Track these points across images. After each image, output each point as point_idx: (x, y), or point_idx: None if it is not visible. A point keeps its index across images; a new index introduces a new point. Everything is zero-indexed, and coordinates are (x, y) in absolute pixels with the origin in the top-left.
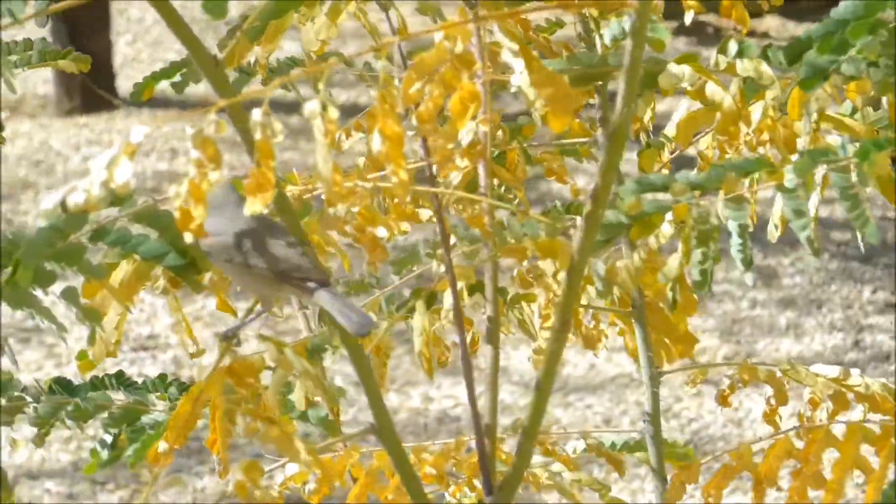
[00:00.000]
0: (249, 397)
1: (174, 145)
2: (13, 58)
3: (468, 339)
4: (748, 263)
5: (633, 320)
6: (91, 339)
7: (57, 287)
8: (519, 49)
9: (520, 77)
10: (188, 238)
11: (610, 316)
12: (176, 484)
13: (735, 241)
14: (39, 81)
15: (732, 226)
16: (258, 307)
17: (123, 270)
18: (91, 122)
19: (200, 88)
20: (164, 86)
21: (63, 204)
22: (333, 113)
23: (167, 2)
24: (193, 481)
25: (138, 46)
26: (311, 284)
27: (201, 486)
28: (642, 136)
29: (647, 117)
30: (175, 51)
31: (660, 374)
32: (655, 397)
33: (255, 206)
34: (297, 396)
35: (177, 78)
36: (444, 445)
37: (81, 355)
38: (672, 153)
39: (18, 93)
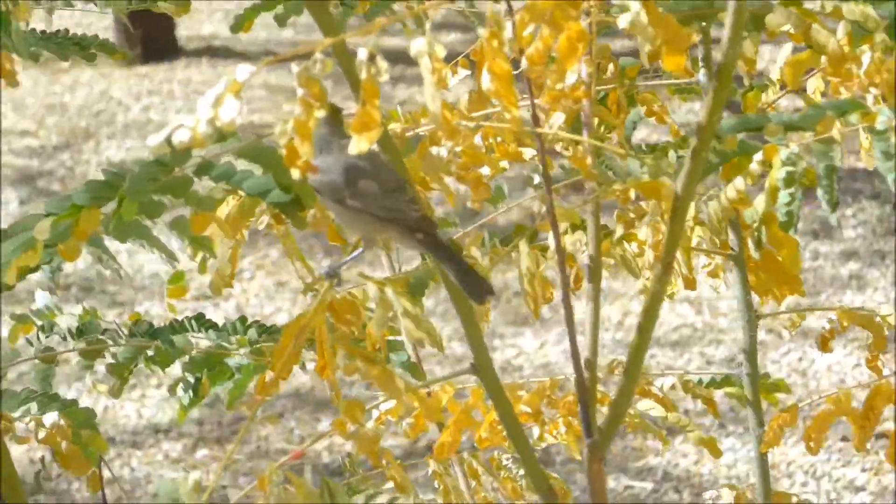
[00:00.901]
0: (347, 336)
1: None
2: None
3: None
4: (834, 205)
5: (732, 262)
6: (202, 268)
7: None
8: None
9: (634, 17)
10: (294, 175)
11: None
12: (273, 422)
13: (822, 182)
14: (100, 30)
15: (820, 167)
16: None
17: (228, 205)
18: (151, 71)
19: (261, 37)
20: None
21: (168, 141)
22: (440, 51)
23: None
24: (257, 429)
25: None
26: (420, 235)
27: (265, 434)
28: (745, 78)
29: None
30: (234, 1)
31: (757, 318)
32: (753, 341)
33: (362, 144)
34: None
35: (279, 9)
36: (539, 384)
37: (175, 278)
38: (778, 96)
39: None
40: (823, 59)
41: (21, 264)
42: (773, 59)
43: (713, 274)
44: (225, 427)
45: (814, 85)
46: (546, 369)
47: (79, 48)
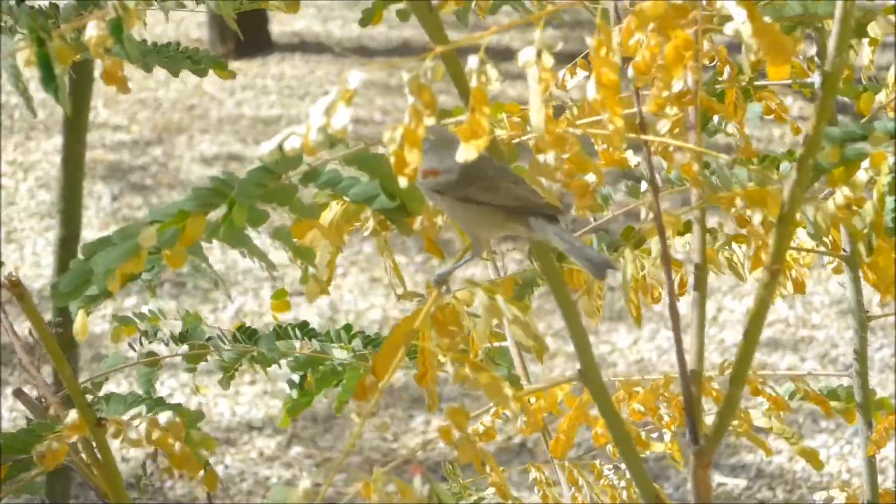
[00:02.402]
0: (454, 344)
1: (328, 89)
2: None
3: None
4: None
5: (844, 263)
6: (304, 278)
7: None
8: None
9: (740, 26)
10: (402, 182)
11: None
12: (384, 429)
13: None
14: (193, 25)
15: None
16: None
17: (333, 211)
18: (244, 66)
19: (355, 33)
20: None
21: (280, 149)
22: (548, 60)
23: None
24: (350, 425)
25: None
26: (537, 221)
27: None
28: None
29: (866, 60)
30: None
31: (868, 319)
32: (863, 342)
33: (470, 151)
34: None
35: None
36: (652, 382)
37: (279, 294)
38: (890, 98)
39: (173, 37)
40: None
41: (125, 272)
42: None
43: (836, 270)
44: (319, 423)
45: None
46: (639, 365)
47: (191, 62)
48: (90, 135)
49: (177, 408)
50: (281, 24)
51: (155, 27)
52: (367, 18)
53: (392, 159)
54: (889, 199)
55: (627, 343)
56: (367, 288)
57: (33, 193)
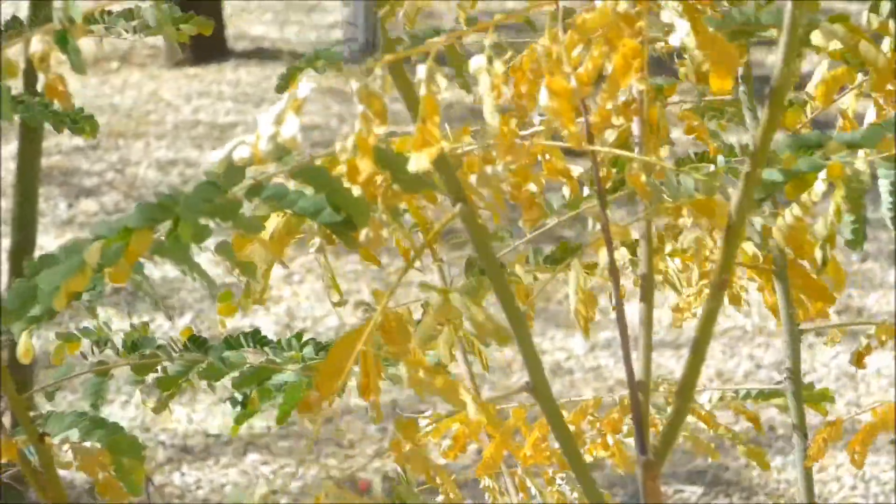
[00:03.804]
0: (406, 350)
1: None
2: (133, 23)
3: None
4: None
5: (774, 277)
6: (246, 293)
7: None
8: (683, 10)
9: (684, 37)
10: (355, 191)
11: (747, 272)
12: (340, 436)
13: (886, 199)
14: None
15: (884, 184)
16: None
17: (273, 224)
18: (201, 73)
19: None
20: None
21: (228, 158)
22: (499, 67)
23: None
24: (305, 432)
25: None
26: None
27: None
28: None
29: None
30: (283, 2)
31: (800, 332)
32: (796, 353)
33: (421, 162)
34: (441, 351)
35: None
36: (582, 402)
37: (224, 297)
38: (815, 113)
39: (128, 43)
40: (860, 76)
41: (70, 289)
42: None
43: (760, 289)
44: (274, 432)
45: (848, 102)
46: (596, 372)
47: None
48: (46, 141)
49: (114, 430)
50: (237, 30)
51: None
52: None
53: (343, 168)
54: (846, 211)
55: (583, 350)
56: (323, 295)
57: None
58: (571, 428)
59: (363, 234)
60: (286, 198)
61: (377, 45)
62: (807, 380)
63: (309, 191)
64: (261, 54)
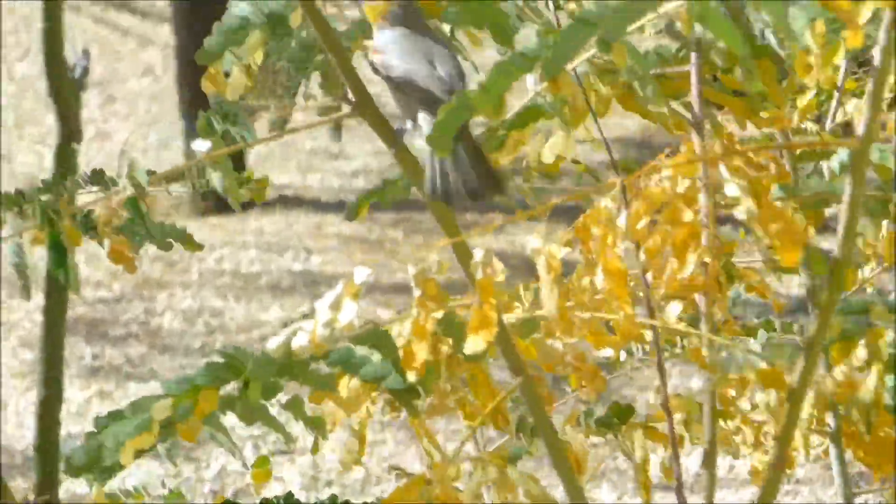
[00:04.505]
0: None
1: (308, 244)
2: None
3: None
4: None
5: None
6: (314, 448)
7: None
8: (747, 185)
9: (747, 213)
10: (411, 377)
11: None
12: None
13: None
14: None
15: None
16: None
17: (351, 384)
18: (224, 222)
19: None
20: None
21: (287, 344)
22: (557, 251)
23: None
24: None
25: (271, 144)
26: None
27: None
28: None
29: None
30: (307, 150)
31: (854, 495)
32: None
33: (478, 344)
34: None
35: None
36: None
37: (260, 462)
38: (876, 272)
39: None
40: None
41: (137, 445)
42: None
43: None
44: None
45: None
46: None
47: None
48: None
49: None
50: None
51: None
52: (353, 213)
53: (400, 353)
54: (890, 377)
55: (612, 499)
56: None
57: (15, 353)
58: None
59: (428, 402)
60: (351, 362)
61: (449, 191)
62: None
63: (376, 355)
64: (284, 202)
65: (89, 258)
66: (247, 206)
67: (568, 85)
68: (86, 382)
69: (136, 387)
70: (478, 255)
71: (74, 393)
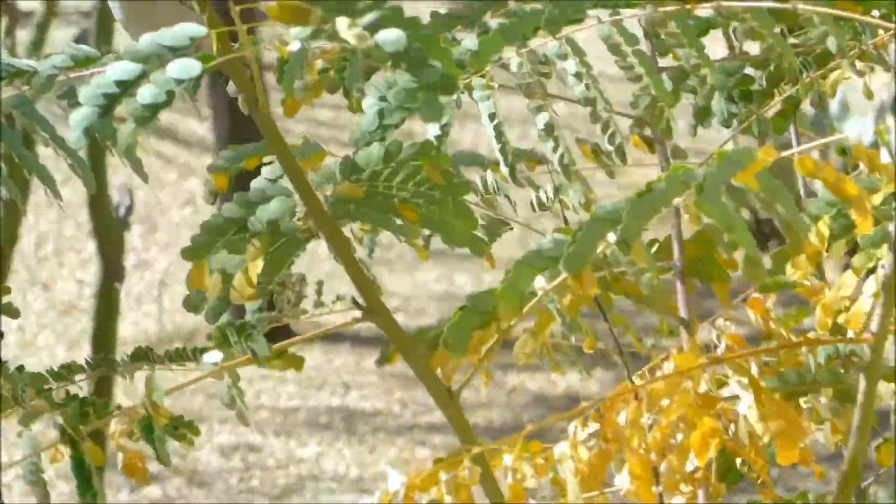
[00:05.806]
0: None
1: (346, 379)
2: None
3: None
4: None
5: None
6: None
7: None
8: (748, 382)
9: (747, 409)
10: None
11: None
12: None
13: None
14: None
15: None
16: None
17: None
18: None
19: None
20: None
21: None
22: (584, 453)
23: None
24: None
25: (309, 279)
26: None
27: None
28: None
29: None
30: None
31: None
32: None
33: None
34: None
35: None
36: None
37: None
38: None
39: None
40: None
41: None
42: None
43: None
44: None
45: None
46: None
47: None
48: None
49: None
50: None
51: (176, 314)
52: (386, 357)
53: None
54: None
55: None
56: None
57: (53, 483)
58: None
59: None
60: None
61: None
62: None
63: None
64: (323, 338)
65: (127, 390)
66: (286, 339)
67: (593, 283)
68: None
69: None
70: (507, 460)
71: None
